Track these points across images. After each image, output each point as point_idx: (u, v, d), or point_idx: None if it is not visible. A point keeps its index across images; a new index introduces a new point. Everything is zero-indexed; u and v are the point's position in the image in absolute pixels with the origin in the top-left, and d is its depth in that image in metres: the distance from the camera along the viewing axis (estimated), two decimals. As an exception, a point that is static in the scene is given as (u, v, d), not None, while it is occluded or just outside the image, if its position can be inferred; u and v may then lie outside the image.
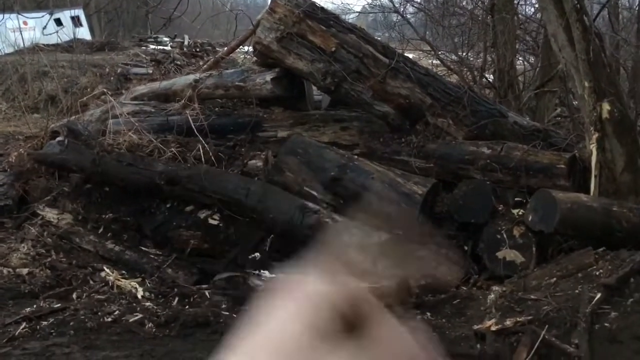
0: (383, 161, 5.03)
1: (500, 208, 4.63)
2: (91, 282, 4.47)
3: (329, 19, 5.21)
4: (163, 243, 4.96)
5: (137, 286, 4.46)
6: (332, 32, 5.14)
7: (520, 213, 4.51)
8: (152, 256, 4.73)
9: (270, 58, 5.32)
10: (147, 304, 4.02)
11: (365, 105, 5.25)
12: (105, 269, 4.62)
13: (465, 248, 4.69)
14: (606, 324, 3.31)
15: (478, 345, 3.35)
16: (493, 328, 3.43)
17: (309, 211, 4.53)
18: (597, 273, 3.75)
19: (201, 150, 5.24)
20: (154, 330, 3.66)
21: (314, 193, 4.73)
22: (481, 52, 9.58)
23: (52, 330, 3.54)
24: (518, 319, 3.43)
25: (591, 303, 3.39)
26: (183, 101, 5.79)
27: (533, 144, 4.76)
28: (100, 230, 4.95)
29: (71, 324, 3.65)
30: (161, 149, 5.32)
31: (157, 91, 6.22)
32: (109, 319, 3.74)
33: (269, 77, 5.37)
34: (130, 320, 3.72)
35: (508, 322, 3.42)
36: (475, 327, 3.50)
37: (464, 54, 9.37)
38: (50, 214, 5.07)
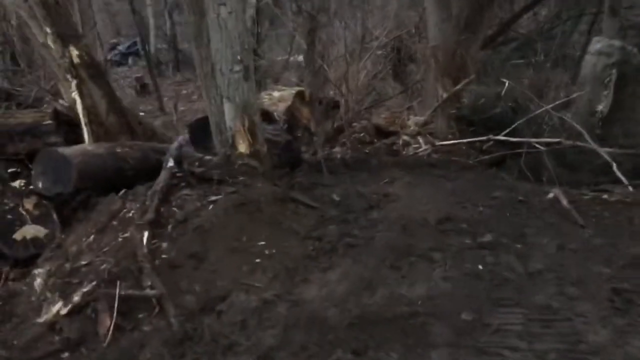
0: None
1: (-8, 186, 3.98)
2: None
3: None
4: None
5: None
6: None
7: (22, 184, 4.01)
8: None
9: None
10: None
11: None
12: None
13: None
14: (163, 256, 3.44)
15: (56, 337, 2.93)
16: (63, 312, 3.05)
17: None
18: (130, 214, 3.79)
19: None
20: None
21: None
22: None
23: None
24: (84, 290, 3.15)
25: (143, 243, 3.43)
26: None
27: (6, 105, 4.21)
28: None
29: None
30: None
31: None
32: None
33: None
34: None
35: (76, 298, 3.10)
36: (40, 320, 3.02)
37: None
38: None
